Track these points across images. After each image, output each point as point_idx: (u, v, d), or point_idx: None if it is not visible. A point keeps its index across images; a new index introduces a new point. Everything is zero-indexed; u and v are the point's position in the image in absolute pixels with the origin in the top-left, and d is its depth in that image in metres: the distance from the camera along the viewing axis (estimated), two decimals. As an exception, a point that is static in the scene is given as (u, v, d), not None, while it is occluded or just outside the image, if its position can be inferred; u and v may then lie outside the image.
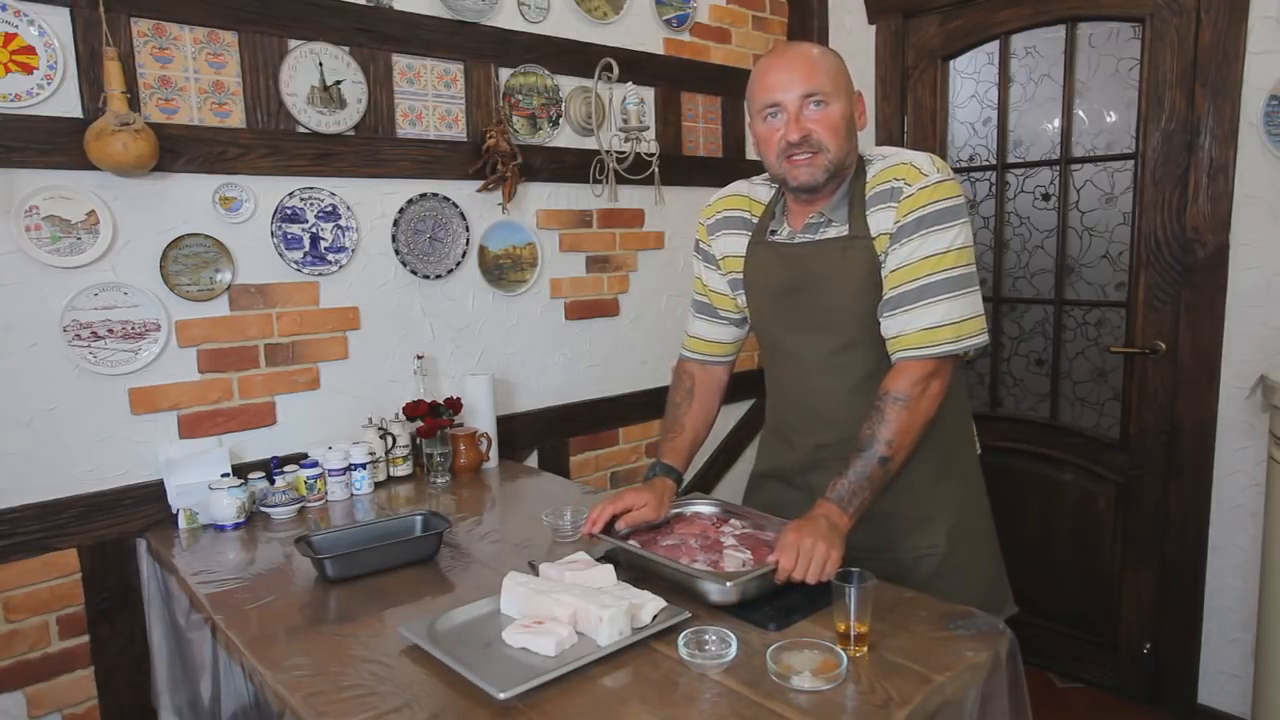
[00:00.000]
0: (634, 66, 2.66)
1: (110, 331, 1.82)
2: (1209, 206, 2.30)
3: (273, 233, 2.03)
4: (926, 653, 1.16)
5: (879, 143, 3.02)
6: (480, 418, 2.29)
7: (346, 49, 2.10)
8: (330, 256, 2.13)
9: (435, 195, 2.29)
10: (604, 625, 1.17)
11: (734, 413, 3.11)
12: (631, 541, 1.46)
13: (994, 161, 2.79)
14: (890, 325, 1.41)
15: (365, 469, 2.03)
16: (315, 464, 1.97)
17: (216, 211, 1.95)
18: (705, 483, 3.03)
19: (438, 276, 2.33)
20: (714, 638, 1.16)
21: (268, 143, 2.00)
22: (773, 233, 1.56)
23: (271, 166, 2.01)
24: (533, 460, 2.61)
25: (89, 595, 1.85)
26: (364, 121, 2.14)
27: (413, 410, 2.18)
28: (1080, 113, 2.59)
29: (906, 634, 1.21)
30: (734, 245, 1.63)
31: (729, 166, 3.01)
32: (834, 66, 1.42)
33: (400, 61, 2.21)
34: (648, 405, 2.83)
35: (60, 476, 1.80)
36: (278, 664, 1.21)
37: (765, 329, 1.62)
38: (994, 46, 2.74)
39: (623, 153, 2.59)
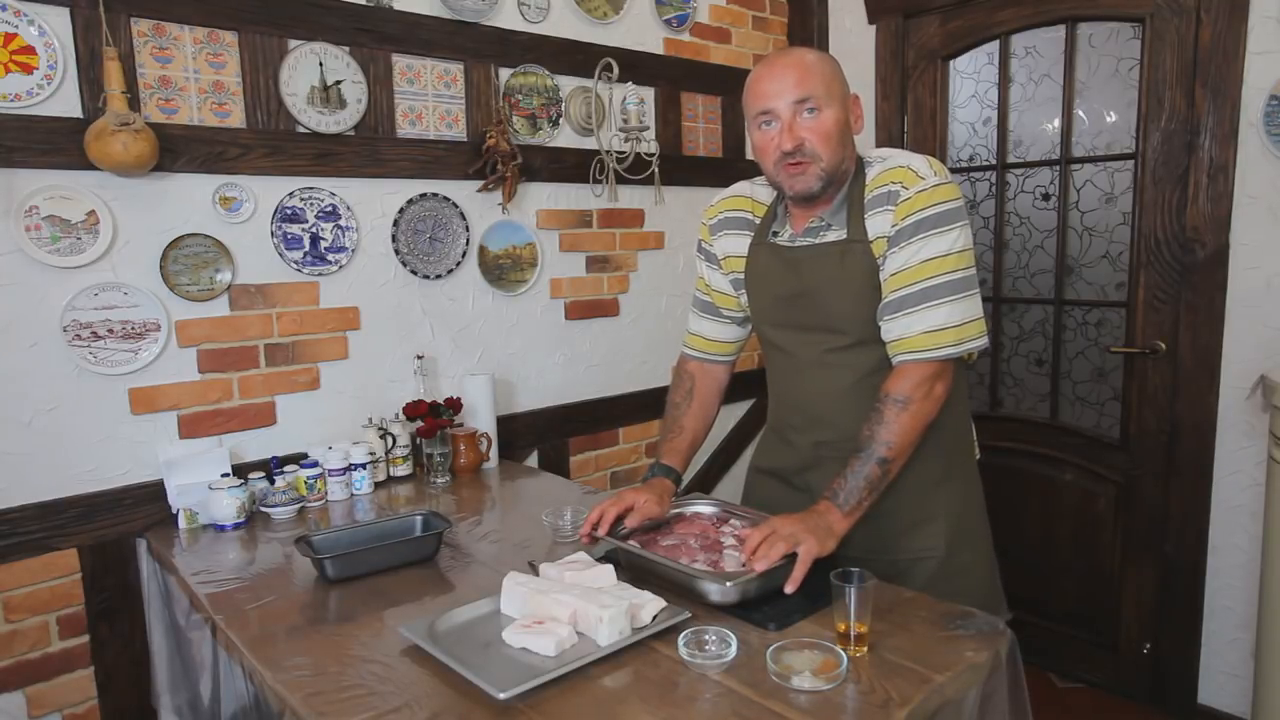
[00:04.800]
0: (634, 66, 2.66)
1: (110, 331, 1.82)
2: (1209, 206, 2.30)
3: (273, 233, 2.03)
4: (926, 653, 1.16)
5: (879, 143, 3.02)
6: (480, 418, 2.29)
7: (346, 49, 2.10)
8: (330, 256, 2.13)
9: (435, 195, 2.29)
10: (604, 625, 1.16)
11: (734, 413, 3.11)
12: (631, 542, 1.46)
13: (994, 161, 2.79)
14: (891, 328, 1.41)
15: (365, 469, 2.03)
16: (315, 464, 1.97)
17: (216, 211, 1.95)
18: (705, 483, 3.03)
19: (438, 276, 2.33)
20: (714, 638, 1.16)
21: (268, 143, 2.00)
22: (774, 234, 1.56)
23: (271, 166, 2.01)
24: (533, 460, 2.61)
25: (89, 595, 1.85)
26: (364, 121, 2.14)
27: (413, 410, 2.18)
28: (1080, 113, 2.59)
29: (906, 634, 1.21)
30: (736, 245, 1.64)
31: (729, 166, 3.01)
32: (828, 72, 1.42)
33: (400, 61, 2.21)
34: (648, 405, 2.83)
35: (60, 476, 1.80)
36: (278, 664, 1.21)
37: (766, 329, 1.63)
38: (994, 46, 2.74)
39: (623, 153, 2.59)
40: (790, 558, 1.27)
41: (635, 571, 1.41)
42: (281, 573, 1.57)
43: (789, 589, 1.25)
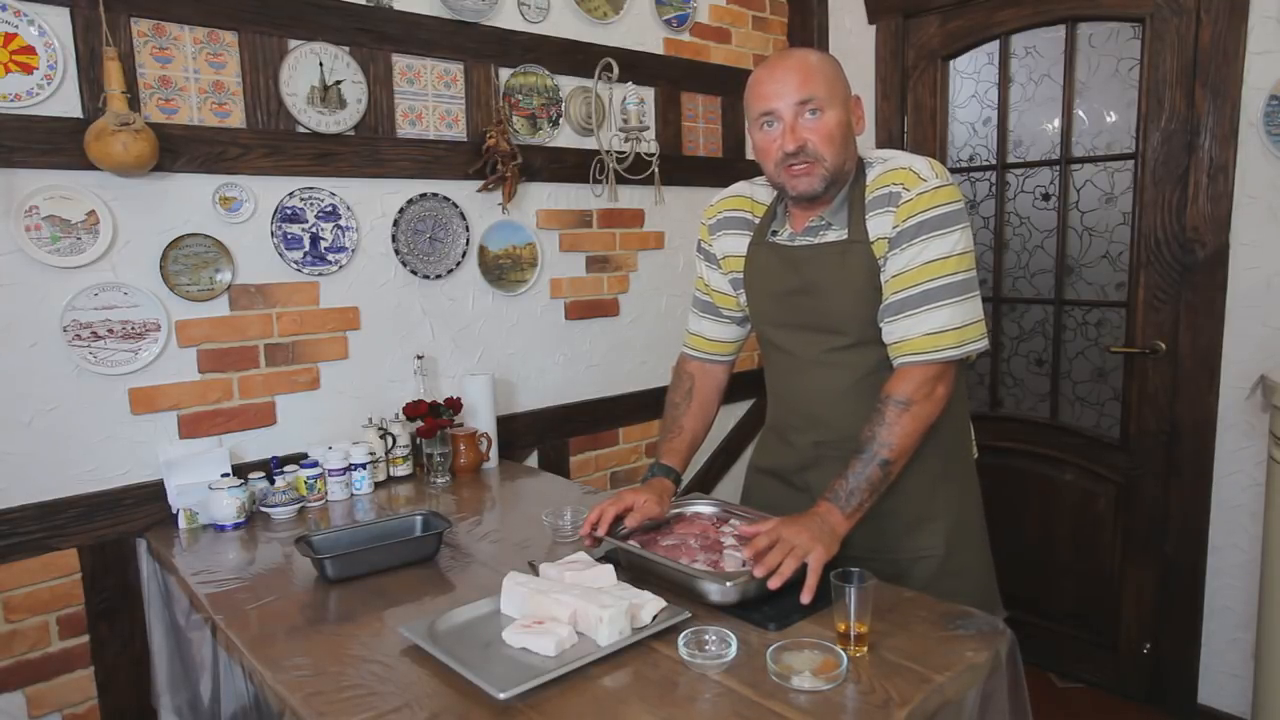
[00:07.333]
0: (634, 66, 2.66)
1: (110, 331, 1.82)
2: (1209, 206, 2.30)
3: (273, 233, 2.03)
4: (926, 653, 1.16)
5: (879, 143, 3.02)
6: (480, 418, 2.29)
7: (346, 49, 2.10)
8: (330, 256, 2.13)
9: (435, 195, 2.29)
10: (604, 625, 1.17)
11: (734, 413, 3.11)
12: (631, 542, 1.46)
13: (994, 161, 2.79)
14: (893, 330, 1.41)
15: (365, 469, 2.03)
16: (315, 464, 1.97)
17: (216, 211, 1.95)
18: (705, 483, 3.03)
19: (438, 276, 2.33)
20: (714, 638, 1.16)
21: (268, 143, 2.00)
22: (774, 233, 1.56)
23: (271, 166, 2.01)
24: (533, 460, 2.61)
25: (89, 595, 1.85)
26: (364, 121, 2.14)
27: (413, 410, 2.18)
28: (1080, 113, 2.59)
29: (906, 634, 1.21)
30: (735, 245, 1.64)
31: (729, 166, 3.01)
32: (830, 72, 1.42)
33: (400, 61, 2.21)
34: (648, 405, 2.83)
35: (60, 476, 1.80)
36: (278, 664, 1.21)
37: (765, 329, 1.63)
38: (994, 46, 2.74)
39: (623, 153, 2.59)
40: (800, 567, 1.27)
41: (635, 571, 1.41)
42: (281, 573, 1.57)
43: (805, 599, 1.25)
